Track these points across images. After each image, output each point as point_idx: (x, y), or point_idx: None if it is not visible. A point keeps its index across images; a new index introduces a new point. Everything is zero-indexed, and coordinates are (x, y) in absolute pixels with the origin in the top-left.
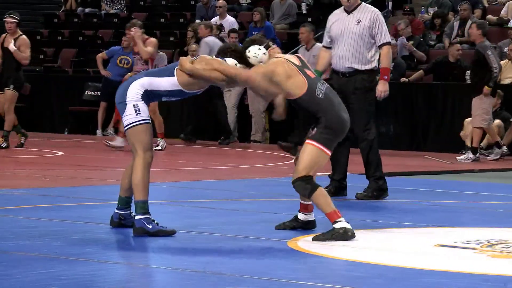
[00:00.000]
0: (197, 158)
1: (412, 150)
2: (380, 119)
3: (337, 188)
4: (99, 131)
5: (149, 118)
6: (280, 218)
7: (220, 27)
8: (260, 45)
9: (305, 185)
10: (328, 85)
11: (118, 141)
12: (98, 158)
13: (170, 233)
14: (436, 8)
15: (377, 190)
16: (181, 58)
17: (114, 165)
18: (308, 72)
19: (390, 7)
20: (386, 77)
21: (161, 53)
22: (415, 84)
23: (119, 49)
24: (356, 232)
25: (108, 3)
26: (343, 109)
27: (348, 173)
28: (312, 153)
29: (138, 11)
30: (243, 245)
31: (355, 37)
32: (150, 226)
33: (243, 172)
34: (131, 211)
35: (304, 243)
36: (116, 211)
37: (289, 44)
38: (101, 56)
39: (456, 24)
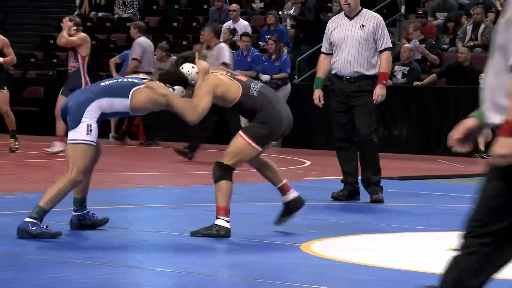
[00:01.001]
0: (209, 162)
1: (425, 153)
2: (393, 123)
3: (351, 192)
4: (111, 135)
5: (95, 143)
6: (293, 222)
7: (233, 31)
8: (193, 62)
9: (218, 170)
10: (262, 84)
11: (56, 146)
12: (111, 162)
13: (54, 235)
14: (446, 13)
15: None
16: (154, 82)
17: (128, 169)
18: (238, 77)
19: (403, 10)
20: (384, 82)
21: (172, 57)
22: (428, 88)
23: None
24: (369, 236)
25: (121, 7)
26: (282, 104)
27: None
28: (238, 144)
29: (150, 15)
30: (256, 249)
31: (360, 42)
32: (34, 228)
33: (256, 175)
34: (87, 210)
35: (317, 247)
36: (74, 213)
37: (300, 48)
38: (114, 60)
39: (469, 28)
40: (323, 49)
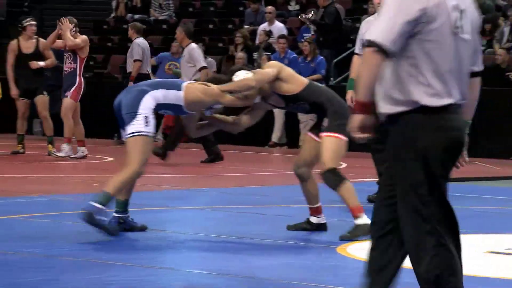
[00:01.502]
0: (244, 163)
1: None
2: None
3: None
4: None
5: (153, 135)
6: (332, 224)
7: (269, 33)
8: (248, 70)
9: (333, 177)
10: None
11: (64, 150)
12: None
13: (112, 233)
14: (482, 15)
15: None
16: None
17: (165, 171)
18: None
19: None
20: None
21: (209, 58)
22: None
23: (168, 55)
24: None
25: (157, 9)
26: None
27: None
28: (332, 143)
29: (186, 17)
30: (291, 251)
31: None
32: (99, 218)
33: (290, 177)
34: (128, 214)
35: (354, 249)
36: (115, 214)
37: (337, 50)
38: (150, 62)
39: (507, 30)
40: (357, 50)
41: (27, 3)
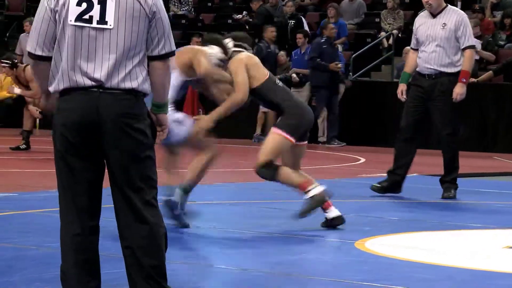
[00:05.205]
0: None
1: (482, 151)
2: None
3: (392, 185)
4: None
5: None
6: (349, 220)
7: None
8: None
9: (268, 170)
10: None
11: None
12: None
13: (185, 225)
14: (501, 11)
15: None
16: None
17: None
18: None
19: (459, 6)
20: (464, 80)
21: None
22: (484, 85)
23: None
24: (425, 233)
25: (176, 4)
26: (301, 100)
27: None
28: (275, 140)
29: (205, 12)
30: (311, 246)
31: (441, 41)
32: (175, 210)
33: (311, 172)
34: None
35: (372, 244)
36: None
37: (356, 45)
38: None
39: None
40: (412, 45)
41: None
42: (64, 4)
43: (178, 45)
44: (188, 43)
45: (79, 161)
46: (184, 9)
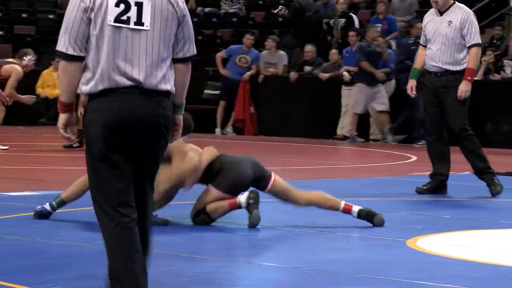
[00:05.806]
0: (316, 156)
1: None
2: (502, 118)
3: (437, 186)
4: (218, 130)
5: None
6: (401, 218)
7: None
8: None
9: (203, 217)
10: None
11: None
12: None
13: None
14: None
15: (494, 185)
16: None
17: None
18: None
19: (511, 4)
20: (469, 78)
21: (281, 52)
22: None
23: (239, 48)
24: (477, 232)
25: (227, 2)
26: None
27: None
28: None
29: (256, 10)
30: (361, 244)
31: (447, 39)
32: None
33: (362, 170)
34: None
35: (423, 243)
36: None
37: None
38: (220, 55)
39: None
40: (421, 41)
41: None
42: (101, 4)
43: (229, 43)
44: (239, 41)
45: (122, 160)
46: (235, 7)
